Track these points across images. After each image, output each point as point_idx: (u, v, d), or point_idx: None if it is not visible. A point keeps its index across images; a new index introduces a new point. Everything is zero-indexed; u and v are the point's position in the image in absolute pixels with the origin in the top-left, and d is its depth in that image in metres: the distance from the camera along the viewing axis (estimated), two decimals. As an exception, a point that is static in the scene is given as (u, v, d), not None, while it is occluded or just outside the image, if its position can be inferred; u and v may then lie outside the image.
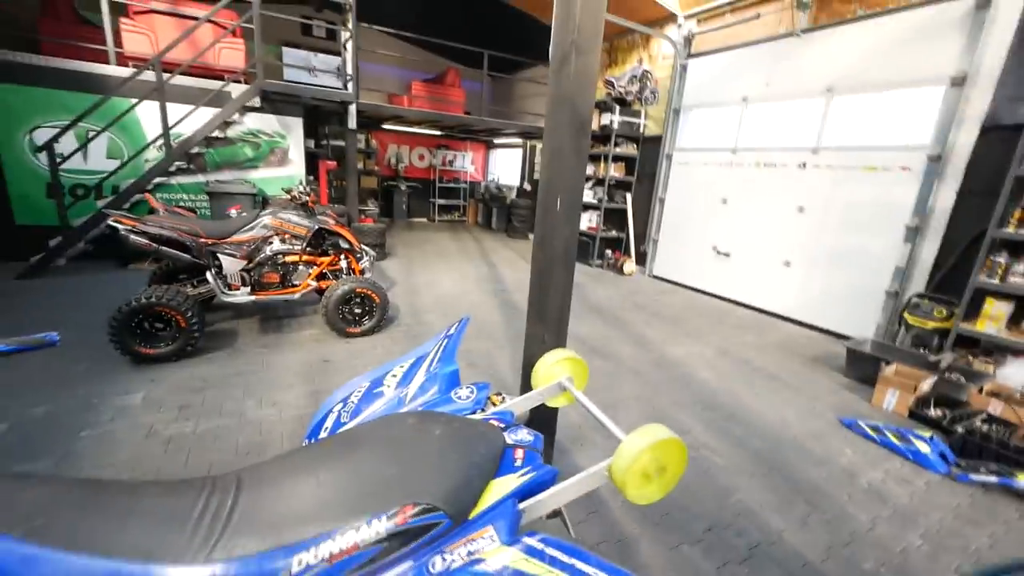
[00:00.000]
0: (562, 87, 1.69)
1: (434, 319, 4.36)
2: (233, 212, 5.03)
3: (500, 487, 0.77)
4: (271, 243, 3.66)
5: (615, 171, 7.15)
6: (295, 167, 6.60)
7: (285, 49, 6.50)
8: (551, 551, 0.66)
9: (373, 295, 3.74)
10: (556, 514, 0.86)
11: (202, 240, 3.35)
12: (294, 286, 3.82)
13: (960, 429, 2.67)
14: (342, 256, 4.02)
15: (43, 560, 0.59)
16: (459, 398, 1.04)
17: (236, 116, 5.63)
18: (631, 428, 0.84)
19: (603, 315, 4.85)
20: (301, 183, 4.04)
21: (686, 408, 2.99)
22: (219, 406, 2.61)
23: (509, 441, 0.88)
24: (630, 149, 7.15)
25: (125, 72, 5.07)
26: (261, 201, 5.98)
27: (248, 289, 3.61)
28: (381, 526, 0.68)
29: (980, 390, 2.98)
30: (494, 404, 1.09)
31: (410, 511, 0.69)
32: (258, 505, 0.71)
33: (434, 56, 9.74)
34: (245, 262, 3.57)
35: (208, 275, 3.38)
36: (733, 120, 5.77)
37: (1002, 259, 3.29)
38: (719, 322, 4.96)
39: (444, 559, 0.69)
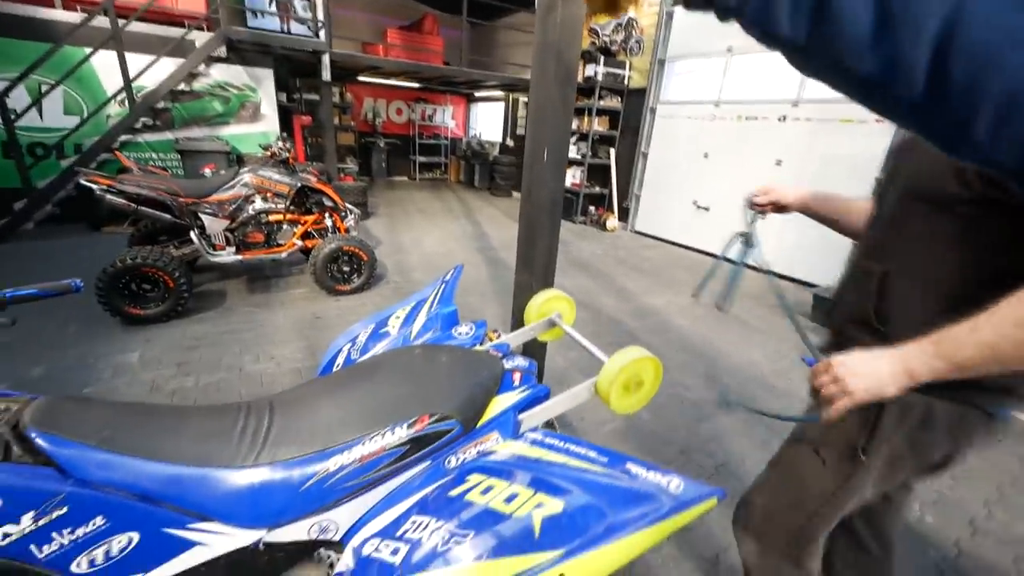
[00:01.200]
0: (548, 35, 1.71)
1: (422, 276, 4.43)
2: (207, 171, 4.89)
3: (502, 402, 0.90)
4: (253, 202, 3.62)
5: (599, 125, 7.09)
6: (268, 123, 6.37)
7: (248, -8, 6.09)
8: (550, 440, 0.80)
9: (361, 253, 3.78)
10: (549, 426, 1.00)
11: (182, 200, 3.30)
12: (279, 245, 3.82)
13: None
14: (326, 214, 4.01)
15: (116, 464, 0.70)
16: (460, 334, 1.15)
17: (202, 67, 5.35)
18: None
19: (586, 269, 5.00)
20: (279, 139, 3.94)
21: (662, 351, 3.20)
22: (217, 361, 2.70)
23: (507, 366, 1.00)
24: (614, 102, 7.07)
25: (75, 17, 4.72)
26: (236, 159, 5.81)
27: (233, 249, 3.61)
28: (403, 432, 0.80)
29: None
30: (491, 339, 1.21)
31: (427, 420, 0.81)
32: (292, 421, 0.82)
33: (407, 1, 9.23)
34: (228, 222, 3.54)
35: (192, 235, 3.35)
36: (717, 72, 5.73)
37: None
38: (697, 274, 5.17)
39: (458, 458, 0.82)
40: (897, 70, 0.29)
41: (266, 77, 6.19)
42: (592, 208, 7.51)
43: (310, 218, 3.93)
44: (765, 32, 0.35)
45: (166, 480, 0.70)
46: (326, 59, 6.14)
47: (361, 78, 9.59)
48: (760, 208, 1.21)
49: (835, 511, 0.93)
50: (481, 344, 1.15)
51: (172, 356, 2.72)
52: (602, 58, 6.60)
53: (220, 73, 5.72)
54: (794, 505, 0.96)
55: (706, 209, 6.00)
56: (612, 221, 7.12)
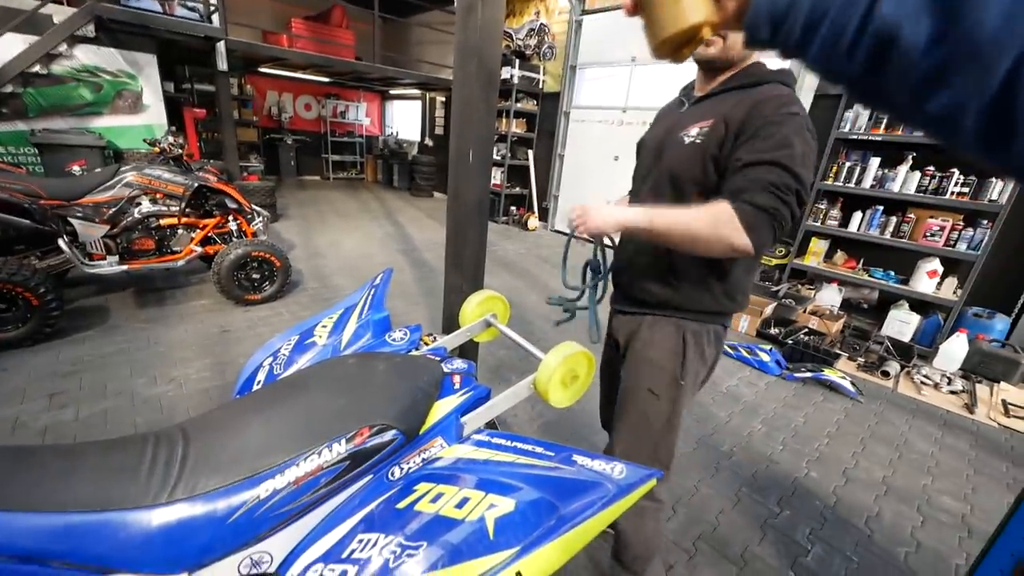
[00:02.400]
0: (469, 37, 1.72)
1: (343, 282, 4.21)
2: (76, 168, 4.22)
3: (444, 406, 0.89)
4: (139, 204, 3.19)
5: (517, 127, 7.23)
6: (153, 115, 5.65)
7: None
8: (496, 440, 0.81)
9: (272, 258, 3.49)
10: (491, 425, 1.01)
11: (45, 202, 2.82)
12: (174, 253, 3.41)
13: (790, 341, 3.39)
14: (230, 217, 3.65)
15: (-8, 522, 0.58)
16: (394, 340, 1.12)
17: (63, 48, 4.59)
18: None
19: (510, 268, 5.08)
20: (169, 133, 3.51)
21: (585, 342, 3.35)
22: (101, 388, 2.34)
23: (446, 369, 1.00)
24: (530, 105, 7.25)
25: None
26: (112, 155, 5.08)
27: (116, 258, 3.15)
28: (341, 447, 0.76)
29: (804, 310, 3.77)
30: (427, 343, 1.19)
31: (367, 432, 0.78)
32: (213, 447, 0.74)
33: (314, -11, 8.67)
34: (107, 227, 3.08)
35: (61, 243, 2.87)
36: (624, 79, 6.12)
37: (822, 205, 4.09)
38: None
39: (402, 468, 0.80)
40: (961, 112, 0.29)
41: (148, 64, 5.48)
42: (513, 208, 7.65)
43: (211, 222, 3.56)
44: (827, 71, 0.36)
45: (55, 533, 0.60)
46: (221, 47, 5.60)
47: (263, 69, 8.84)
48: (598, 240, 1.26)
49: (673, 433, 1.20)
50: (417, 349, 1.13)
51: (41, 386, 2.32)
52: (517, 61, 6.74)
53: (88, 56, 4.95)
54: (645, 440, 1.20)
55: (620, 208, 6.38)
56: (533, 221, 7.31)
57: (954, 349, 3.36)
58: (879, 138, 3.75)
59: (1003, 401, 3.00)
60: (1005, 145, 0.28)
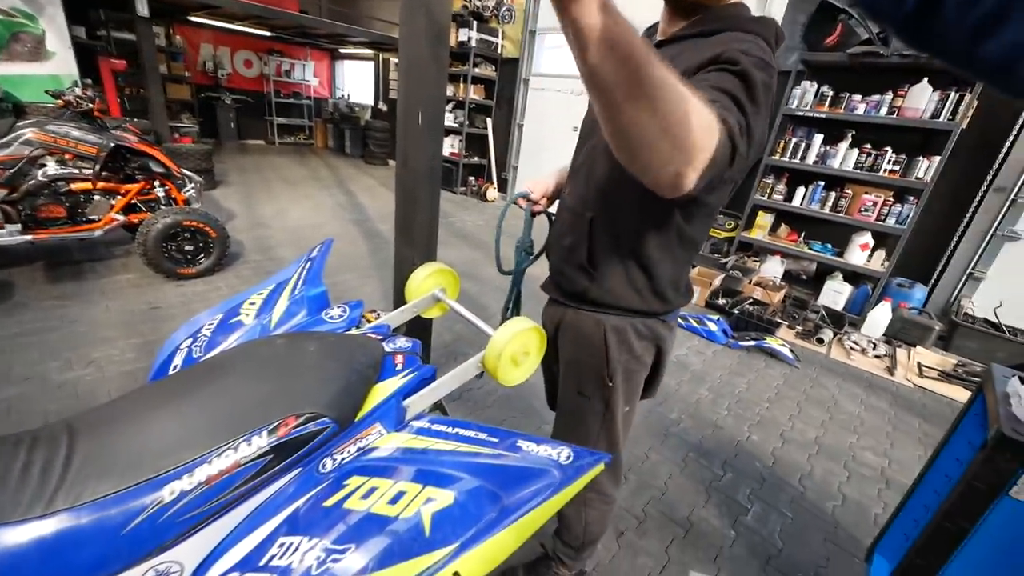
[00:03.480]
0: (415, -11, 1.57)
1: (288, 254, 3.97)
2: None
3: (383, 389, 0.83)
4: (44, 165, 2.81)
5: (475, 93, 6.95)
6: (60, 64, 4.99)
7: None
8: (437, 427, 0.75)
9: (207, 228, 3.21)
10: (437, 407, 0.96)
11: (-80, 161, 2.42)
12: (91, 221, 3.06)
13: (736, 311, 3.54)
14: (156, 183, 3.31)
15: None
16: (331, 318, 1.03)
17: (-64, -23, 3.90)
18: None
19: (468, 240, 4.98)
20: (76, 85, 3.08)
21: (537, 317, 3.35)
22: (4, 373, 2.09)
23: (388, 349, 0.93)
24: (489, 71, 6.97)
25: None
26: (11, 109, 4.45)
27: (18, 227, 2.78)
28: (263, 441, 0.68)
29: (750, 281, 3.94)
30: (368, 321, 1.11)
31: (292, 422, 0.71)
32: (107, 446, 0.65)
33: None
34: (4, 191, 2.71)
35: (-56, 210, 2.50)
36: (584, 47, 5.98)
37: (769, 180, 4.23)
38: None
39: (334, 459, 0.73)
40: (1021, 52, 0.27)
41: (50, 3, 4.78)
42: (472, 179, 7.45)
43: (133, 187, 3.21)
44: (873, 10, 0.33)
45: None
46: (139, -13, 4.95)
47: (194, 19, 7.96)
48: (537, 211, 1.19)
49: (614, 433, 1.10)
50: (358, 327, 1.05)
51: (-72, 373, 2.04)
52: (475, 23, 6.42)
53: (-31, -11, 4.25)
54: (583, 440, 1.11)
55: (579, 181, 6.36)
56: (492, 192, 7.16)
57: (879, 317, 3.63)
58: (823, 115, 3.88)
59: (918, 363, 3.28)
60: None
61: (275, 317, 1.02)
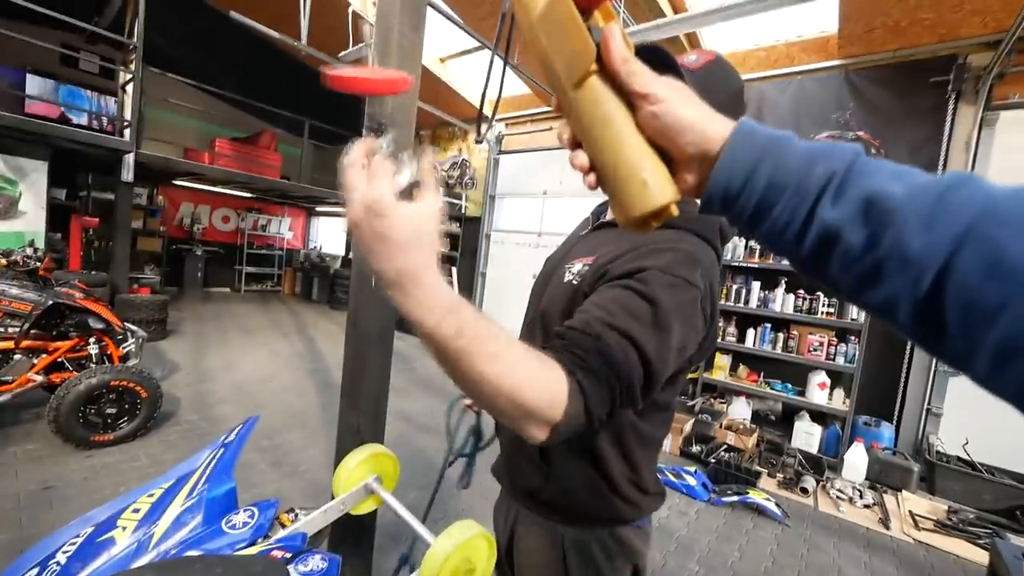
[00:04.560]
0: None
1: (230, 412, 3.62)
2: None
3: (276, 643, 0.63)
4: (-35, 325, 2.61)
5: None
6: (28, 221, 5.09)
7: (29, 76, 5.18)
8: None
9: (138, 388, 2.92)
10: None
11: None
12: (3, 383, 2.74)
13: (712, 460, 3.35)
14: (91, 339, 3.10)
15: None
16: (232, 528, 0.84)
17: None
18: (464, 510, 0.79)
19: (430, 388, 4.76)
20: (32, 244, 3.07)
21: (487, 520, 3.04)
22: None
23: (295, 575, 0.74)
24: (453, 227, 7.63)
25: None
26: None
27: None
28: None
29: (720, 425, 3.84)
30: (284, 525, 0.92)
31: None
32: None
33: (245, 115, 9.00)
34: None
35: None
36: (537, 209, 6.74)
37: (720, 323, 4.45)
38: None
39: None
40: (896, 306, 0.32)
41: (36, 169, 5.08)
42: (439, 323, 7.52)
43: (64, 344, 2.99)
44: (776, 250, 0.39)
45: None
46: (129, 159, 5.36)
47: (179, 182, 8.60)
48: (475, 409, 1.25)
49: None
50: (266, 538, 0.86)
51: None
52: (442, 190, 7.20)
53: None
54: None
55: (543, 324, 6.53)
56: (459, 336, 7.19)
57: (856, 460, 3.51)
58: (755, 265, 4.30)
59: (911, 512, 3.08)
60: (937, 342, 0.31)
61: (159, 530, 0.82)
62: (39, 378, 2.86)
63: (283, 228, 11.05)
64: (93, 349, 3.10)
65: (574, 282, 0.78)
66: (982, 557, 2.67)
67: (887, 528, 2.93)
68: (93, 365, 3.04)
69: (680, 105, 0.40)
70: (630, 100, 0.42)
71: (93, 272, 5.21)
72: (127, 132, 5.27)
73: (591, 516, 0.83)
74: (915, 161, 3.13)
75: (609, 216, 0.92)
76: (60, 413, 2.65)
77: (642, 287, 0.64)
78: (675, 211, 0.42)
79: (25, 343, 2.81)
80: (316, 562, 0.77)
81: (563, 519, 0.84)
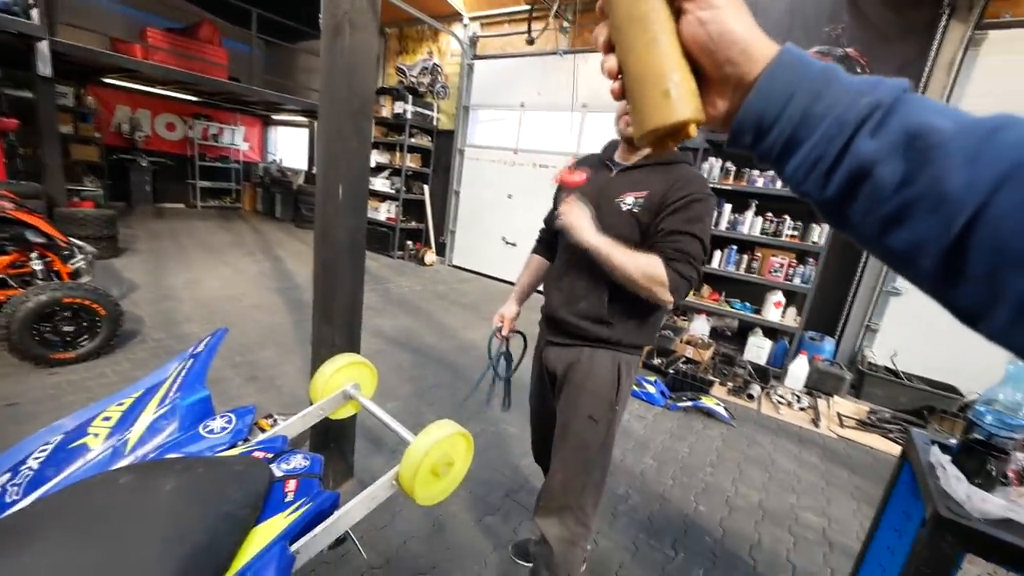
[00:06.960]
0: (336, 62, 1.55)
1: (197, 329, 3.56)
2: None
3: (264, 533, 0.66)
4: None
5: (411, 162, 7.08)
6: (-69, 122, 4.44)
7: None
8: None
9: (95, 305, 2.81)
10: (341, 541, 0.79)
11: None
12: (-61, 301, 2.57)
13: (671, 371, 3.61)
14: (33, 254, 2.89)
15: None
16: (210, 432, 0.85)
17: None
18: (440, 417, 0.83)
19: (405, 307, 4.79)
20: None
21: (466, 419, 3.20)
22: None
23: (278, 473, 0.76)
24: (425, 141, 7.18)
25: None
26: None
27: None
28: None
29: (681, 340, 4.08)
30: (263, 430, 0.93)
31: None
32: None
33: (180, 1, 7.80)
34: None
35: None
36: (514, 123, 6.37)
37: (693, 245, 4.54)
38: (512, 305, 5.48)
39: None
40: (919, 251, 0.31)
41: (-73, 57, 4.32)
42: (409, 243, 7.39)
43: (1, 260, 2.78)
44: (799, 188, 0.36)
45: None
46: (44, 48, 4.65)
47: (110, 80, 7.59)
48: (504, 336, 1.66)
49: (607, 455, 1.35)
50: (245, 441, 0.87)
51: None
52: (411, 97, 6.67)
53: None
54: (582, 464, 1.31)
55: (514, 245, 6.50)
56: (430, 256, 7.12)
57: (798, 369, 3.86)
58: (729, 187, 4.31)
59: (838, 413, 3.47)
60: (952, 288, 0.30)
61: (133, 436, 0.82)
62: (-20, 295, 2.69)
63: (237, 138, 10.16)
64: (37, 265, 2.90)
65: (634, 210, 1.21)
66: (892, 449, 3.09)
67: (816, 426, 3.31)
68: (39, 281, 2.87)
69: (732, 15, 0.36)
70: (678, 3, 0.37)
71: (21, 183, 4.71)
72: (35, 13, 4.49)
73: (635, 347, 1.32)
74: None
75: (623, 159, 1.32)
76: (12, 331, 2.54)
77: (693, 211, 1.17)
78: (693, 132, 0.39)
79: (-43, 258, 2.59)
80: (298, 460, 0.79)
81: (621, 349, 1.30)
